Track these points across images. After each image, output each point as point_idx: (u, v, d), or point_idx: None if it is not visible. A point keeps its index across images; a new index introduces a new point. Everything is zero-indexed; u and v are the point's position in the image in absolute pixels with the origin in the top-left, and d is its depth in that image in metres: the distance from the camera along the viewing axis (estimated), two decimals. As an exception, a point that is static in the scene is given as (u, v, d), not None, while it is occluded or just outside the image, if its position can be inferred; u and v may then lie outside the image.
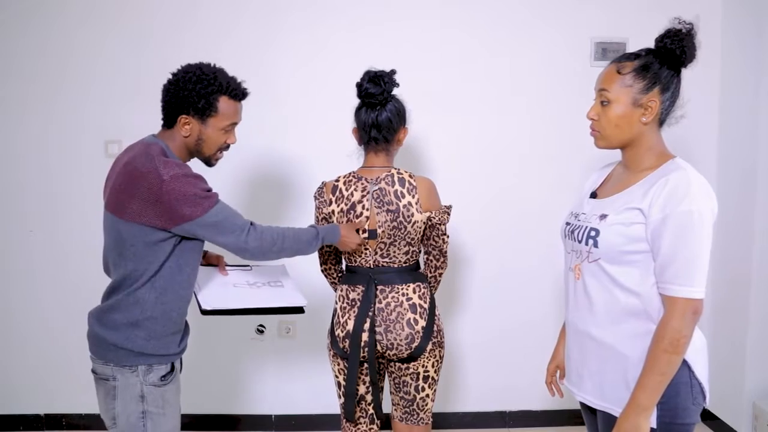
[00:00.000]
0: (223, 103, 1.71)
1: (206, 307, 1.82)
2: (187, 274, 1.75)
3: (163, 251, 1.66)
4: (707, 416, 3.02)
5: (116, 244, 1.67)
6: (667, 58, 1.49)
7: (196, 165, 1.78)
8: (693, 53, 1.49)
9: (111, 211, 1.66)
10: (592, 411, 1.64)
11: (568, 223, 1.65)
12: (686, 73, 1.56)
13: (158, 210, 1.60)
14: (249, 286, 1.95)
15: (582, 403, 1.67)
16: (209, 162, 1.81)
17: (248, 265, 2.07)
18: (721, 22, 2.96)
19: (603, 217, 1.51)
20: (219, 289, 1.90)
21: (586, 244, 1.52)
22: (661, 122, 1.54)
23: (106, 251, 1.73)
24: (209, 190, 1.69)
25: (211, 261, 2.03)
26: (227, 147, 1.80)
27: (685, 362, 1.45)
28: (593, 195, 1.63)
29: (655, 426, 1.45)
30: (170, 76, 1.73)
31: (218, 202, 1.68)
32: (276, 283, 2.00)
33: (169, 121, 1.73)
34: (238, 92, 1.75)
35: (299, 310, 1.93)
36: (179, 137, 1.72)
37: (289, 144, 2.94)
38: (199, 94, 1.67)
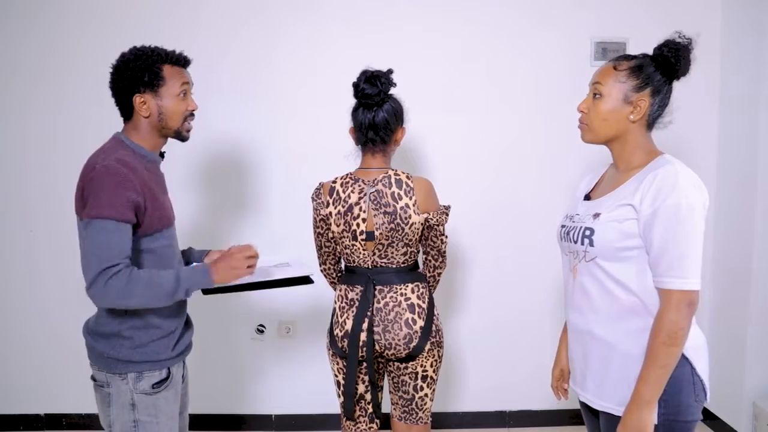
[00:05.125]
0: (167, 70, 1.68)
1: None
2: None
3: None
4: (707, 416, 3.02)
5: (80, 246, 1.60)
6: (662, 64, 1.54)
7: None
8: (687, 66, 1.55)
9: (75, 212, 1.62)
10: (593, 411, 1.65)
11: (563, 226, 1.67)
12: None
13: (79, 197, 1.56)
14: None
15: (582, 403, 1.68)
16: (181, 135, 1.74)
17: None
18: (720, 22, 2.96)
19: (596, 216, 1.53)
20: None
21: (582, 243, 1.54)
22: (650, 125, 1.57)
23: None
24: (124, 205, 1.53)
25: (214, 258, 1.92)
26: (192, 115, 1.75)
27: (687, 360, 1.46)
28: (587, 197, 1.65)
29: (657, 423, 1.45)
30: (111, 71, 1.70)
31: (109, 222, 1.51)
32: (282, 264, 1.93)
33: (126, 111, 1.70)
34: (179, 58, 1.71)
35: (307, 280, 1.83)
36: (142, 122, 1.68)
37: (286, 144, 2.94)
38: (141, 68, 1.65)
